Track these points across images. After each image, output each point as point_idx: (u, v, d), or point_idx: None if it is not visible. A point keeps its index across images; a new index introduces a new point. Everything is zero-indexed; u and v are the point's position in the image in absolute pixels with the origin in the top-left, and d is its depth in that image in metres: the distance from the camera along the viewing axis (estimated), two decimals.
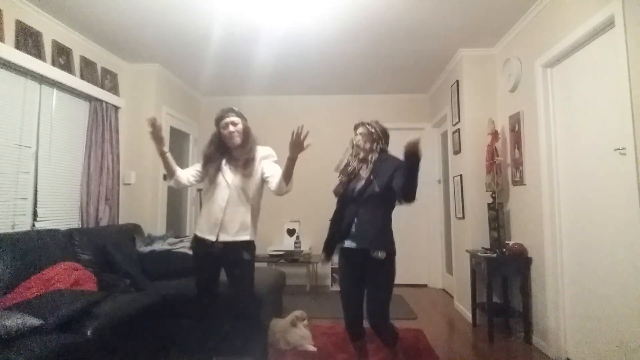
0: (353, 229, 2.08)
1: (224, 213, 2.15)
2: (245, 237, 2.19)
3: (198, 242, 2.21)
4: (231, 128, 2.17)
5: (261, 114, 5.11)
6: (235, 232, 2.16)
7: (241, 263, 2.19)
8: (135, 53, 3.78)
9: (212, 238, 2.15)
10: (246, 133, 2.23)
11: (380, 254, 1.99)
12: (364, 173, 2.08)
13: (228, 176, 2.18)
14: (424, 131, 5.12)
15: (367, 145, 2.14)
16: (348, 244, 2.10)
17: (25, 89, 2.86)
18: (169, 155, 2.18)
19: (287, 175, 2.10)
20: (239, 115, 2.23)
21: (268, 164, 2.24)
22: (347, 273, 2.15)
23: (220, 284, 2.30)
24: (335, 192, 2.18)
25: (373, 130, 2.16)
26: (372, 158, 2.11)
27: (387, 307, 2.09)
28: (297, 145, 1.99)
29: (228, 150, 2.23)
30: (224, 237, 2.15)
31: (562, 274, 2.70)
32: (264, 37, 3.39)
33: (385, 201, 2.07)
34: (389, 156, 2.15)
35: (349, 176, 2.13)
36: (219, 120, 2.22)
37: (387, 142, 2.21)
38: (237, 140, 2.18)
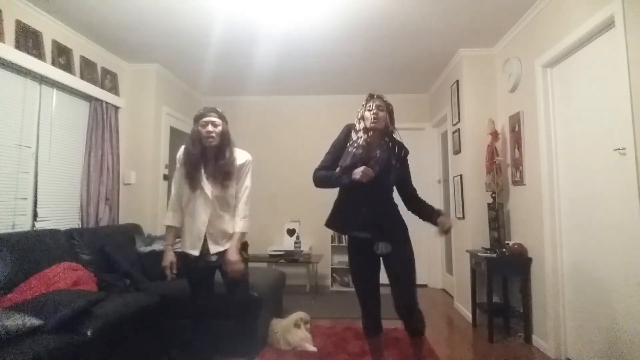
0: (367, 218, 1.90)
1: (207, 226, 2.14)
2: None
3: (186, 257, 2.18)
4: (210, 128, 2.08)
5: (261, 114, 5.11)
6: (224, 241, 2.17)
7: None
8: (135, 53, 3.78)
9: (196, 253, 2.15)
10: (224, 136, 2.13)
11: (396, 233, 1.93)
12: (384, 155, 1.88)
13: (207, 188, 2.12)
14: (424, 131, 5.13)
15: (388, 122, 1.93)
16: (362, 235, 1.95)
17: (25, 89, 2.86)
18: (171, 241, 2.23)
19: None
20: (221, 117, 2.15)
21: (241, 180, 2.22)
22: (362, 265, 1.99)
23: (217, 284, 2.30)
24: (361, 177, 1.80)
25: (389, 104, 1.98)
26: (390, 137, 1.92)
27: (416, 289, 1.95)
28: None
29: (205, 151, 2.13)
30: (215, 249, 2.15)
31: (562, 274, 2.70)
32: (263, 36, 3.39)
33: (392, 185, 1.97)
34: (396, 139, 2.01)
35: (364, 157, 1.89)
36: (199, 117, 2.12)
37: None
38: (214, 142, 2.10)
